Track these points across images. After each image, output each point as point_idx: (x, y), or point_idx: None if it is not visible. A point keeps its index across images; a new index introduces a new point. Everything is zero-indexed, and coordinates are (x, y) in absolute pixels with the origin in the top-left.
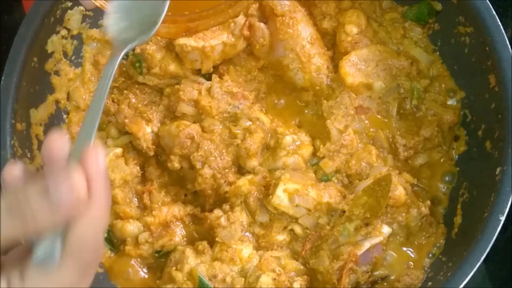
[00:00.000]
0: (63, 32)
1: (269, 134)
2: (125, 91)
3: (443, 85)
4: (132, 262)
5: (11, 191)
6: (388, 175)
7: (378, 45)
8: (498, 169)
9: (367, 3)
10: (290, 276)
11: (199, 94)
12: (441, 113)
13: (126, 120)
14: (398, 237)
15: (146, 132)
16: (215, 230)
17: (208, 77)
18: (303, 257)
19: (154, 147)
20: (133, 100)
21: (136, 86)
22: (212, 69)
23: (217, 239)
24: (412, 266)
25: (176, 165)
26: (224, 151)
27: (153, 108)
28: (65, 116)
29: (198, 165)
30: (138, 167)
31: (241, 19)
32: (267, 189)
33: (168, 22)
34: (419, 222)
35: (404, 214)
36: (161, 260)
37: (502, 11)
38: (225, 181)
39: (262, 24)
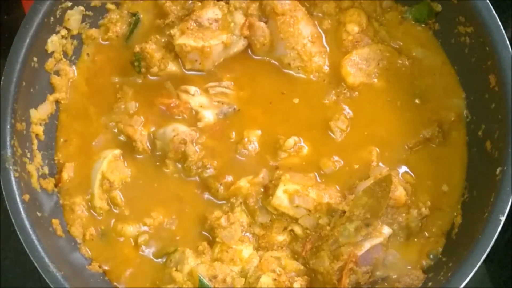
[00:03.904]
0: (63, 32)
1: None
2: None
3: (443, 85)
4: (132, 263)
5: None
6: (388, 175)
7: (379, 44)
8: (498, 169)
9: (367, 3)
10: (290, 277)
11: None
12: (441, 113)
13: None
14: (398, 237)
15: (141, 134)
16: (215, 231)
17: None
18: (303, 257)
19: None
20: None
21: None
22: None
23: (217, 239)
24: (412, 267)
25: (172, 168)
26: None
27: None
28: None
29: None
30: None
31: (240, 18)
32: (267, 190)
33: None
34: (419, 222)
35: (404, 214)
36: (161, 261)
37: (502, 11)
38: (220, 184)
39: (262, 23)
